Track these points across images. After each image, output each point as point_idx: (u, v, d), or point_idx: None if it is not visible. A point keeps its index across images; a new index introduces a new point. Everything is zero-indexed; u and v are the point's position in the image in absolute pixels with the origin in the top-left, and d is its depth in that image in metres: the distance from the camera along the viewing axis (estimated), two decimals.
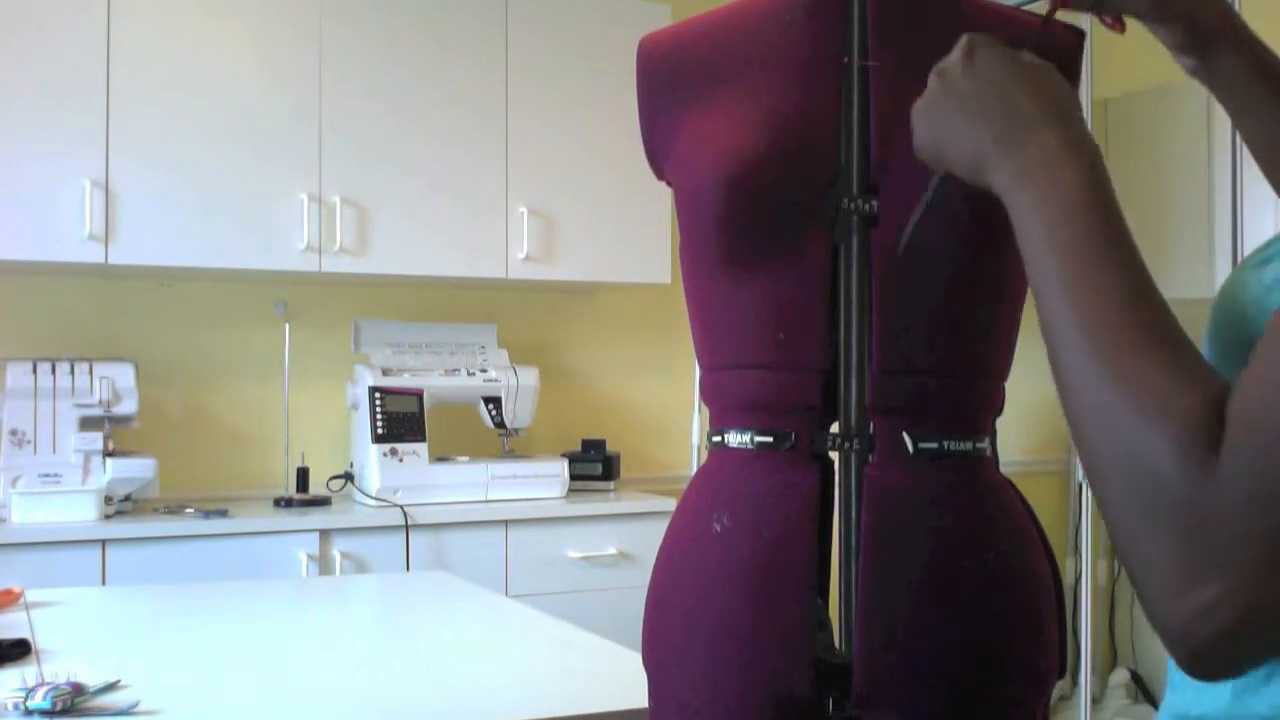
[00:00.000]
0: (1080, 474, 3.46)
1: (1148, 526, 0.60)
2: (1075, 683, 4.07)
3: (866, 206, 1.12)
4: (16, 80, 3.10)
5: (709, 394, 1.20)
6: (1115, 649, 4.44)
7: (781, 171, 1.12)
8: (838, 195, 1.13)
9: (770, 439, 1.14)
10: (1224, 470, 0.58)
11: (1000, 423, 1.19)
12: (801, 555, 1.11)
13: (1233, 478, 0.58)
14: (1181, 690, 0.74)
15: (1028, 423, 4.45)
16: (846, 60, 1.15)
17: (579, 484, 3.72)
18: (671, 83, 1.23)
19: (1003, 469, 1.18)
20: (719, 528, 1.14)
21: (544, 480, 3.58)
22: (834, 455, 1.14)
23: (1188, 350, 0.66)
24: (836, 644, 1.13)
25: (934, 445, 1.11)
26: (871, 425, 1.12)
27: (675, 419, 4.16)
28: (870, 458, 1.12)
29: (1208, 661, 0.59)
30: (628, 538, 3.54)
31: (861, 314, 1.13)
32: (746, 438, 1.15)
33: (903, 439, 1.11)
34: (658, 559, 1.22)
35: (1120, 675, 4.28)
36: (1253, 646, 0.59)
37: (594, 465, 3.79)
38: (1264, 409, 0.59)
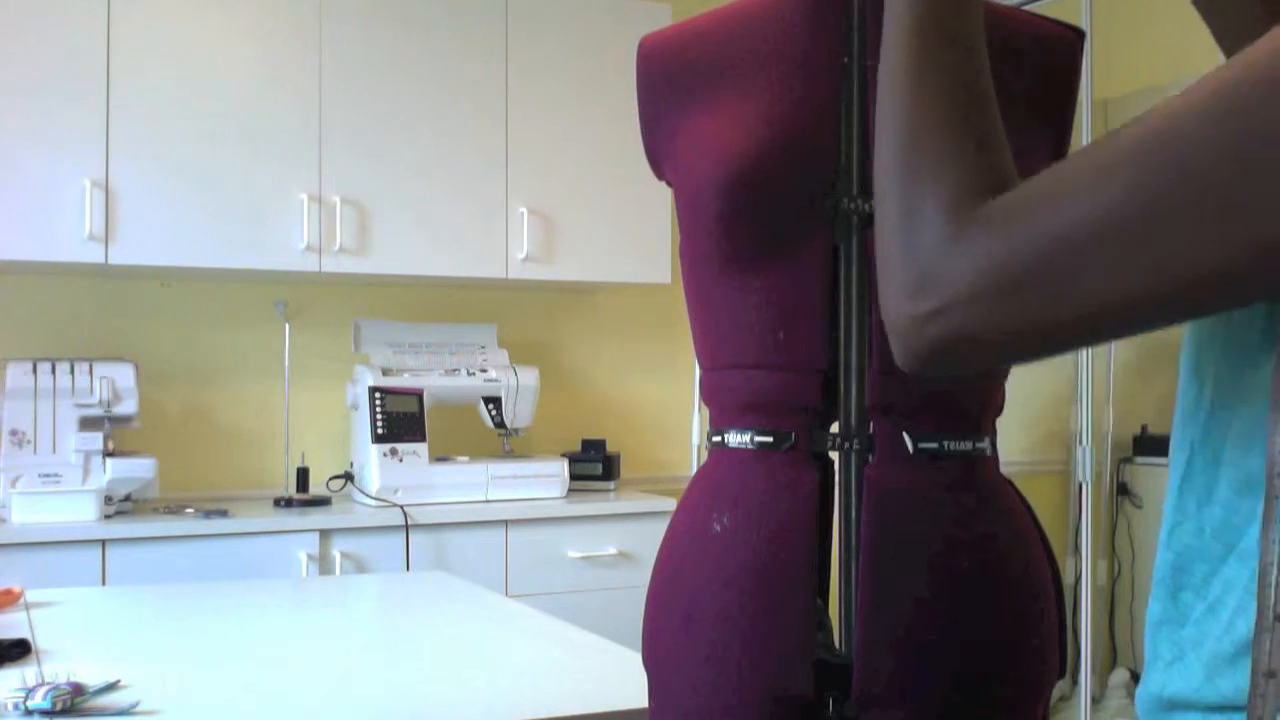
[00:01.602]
0: (1080, 474, 3.45)
1: (901, 251, 0.73)
2: (1075, 683, 4.07)
3: (866, 206, 1.12)
4: (16, 80, 3.10)
5: (709, 394, 1.20)
6: (1115, 649, 4.44)
7: (781, 171, 1.12)
8: (838, 195, 1.13)
9: (770, 439, 1.14)
10: (972, 227, 0.71)
11: (1000, 423, 1.19)
12: (801, 555, 1.11)
13: (974, 233, 0.70)
14: (1156, 672, 0.76)
15: (1027, 423, 4.45)
16: (846, 60, 1.15)
17: (579, 484, 3.72)
18: (672, 82, 1.22)
19: (1003, 469, 1.18)
20: (719, 528, 1.14)
21: (544, 480, 3.57)
22: (834, 455, 1.14)
23: (996, 148, 0.75)
24: (836, 644, 1.13)
25: (934, 445, 1.11)
26: (871, 425, 1.12)
27: (675, 419, 4.16)
28: (870, 458, 1.12)
29: (914, 362, 0.74)
30: (628, 538, 3.54)
31: (861, 314, 1.13)
32: (746, 438, 1.15)
33: (903, 439, 1.11)
34: (658, 559, 1.22)
35: (1120, 675, 4.28)
36: (952, 358, 0.72)
37: (594, 465, 3.79)
38: (1031, 194, 0.69)
